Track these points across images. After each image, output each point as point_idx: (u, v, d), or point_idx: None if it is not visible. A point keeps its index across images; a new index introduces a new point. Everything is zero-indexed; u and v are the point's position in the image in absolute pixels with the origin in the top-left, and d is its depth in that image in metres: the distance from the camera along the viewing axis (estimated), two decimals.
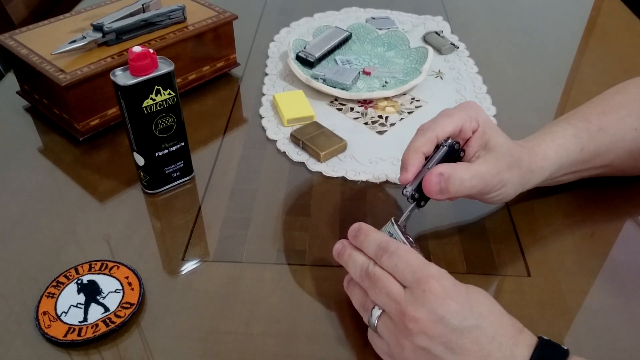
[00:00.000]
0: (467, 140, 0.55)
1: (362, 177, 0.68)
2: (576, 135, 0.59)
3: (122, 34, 0.75)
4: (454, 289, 0.43)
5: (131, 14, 0.76)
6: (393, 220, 0.52)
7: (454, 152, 0.54)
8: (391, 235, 0.50)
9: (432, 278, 0.43)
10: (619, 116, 0.60)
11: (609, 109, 0.61)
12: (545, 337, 0.43)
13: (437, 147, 0.54)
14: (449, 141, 0.54)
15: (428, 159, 0.54)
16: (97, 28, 0.73)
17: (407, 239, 0.51)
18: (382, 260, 0.46)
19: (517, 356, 0.42)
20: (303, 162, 0.70)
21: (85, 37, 0.72)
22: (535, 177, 0.58)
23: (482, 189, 0.54)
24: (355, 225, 0.50)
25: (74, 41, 0.71)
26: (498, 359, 0.42)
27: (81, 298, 0.53)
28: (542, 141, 0.59)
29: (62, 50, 0.70)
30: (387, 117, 0.78)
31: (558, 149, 0.58)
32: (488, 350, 0.42)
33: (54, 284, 0.54)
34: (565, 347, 0.43)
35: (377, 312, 0.46)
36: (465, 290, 0.44)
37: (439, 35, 0.95)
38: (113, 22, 0.74)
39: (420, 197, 0.54)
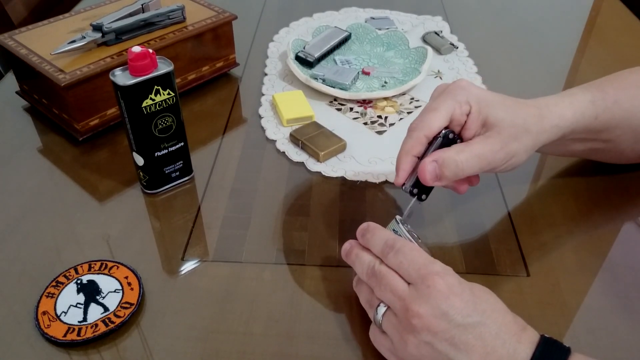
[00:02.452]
0: (464, 123, 0.54)
1: (361, 177, 0.68)
2: (593, 102, 0.59)
3: (122, 34, 0.75)
4: (458, 286, 0.44)
5: (130, 14, 0.76)
6: (397, 219, 0.52)
7: (449, 141, 0.53)
8: (396, 233, 0.51)
9: (437, 275, 0.44)
10: (633, 94, 0.61)
11: (624, 85, 0.61)
12: (547, 336, 0.43)
13: (434, 138, 0.53)
14: (443, 131, 0.53)
15: (424, 154, 0.54)
16: (97, 28, 0.73)
17: (412, 236, 0.51)
18: (388, 258, 0.47)
19: (521, 352, 0.42)
20: (302, 162, 0.70)
21: (84, 37, 0.72)
22: (548, 136, 0.56)
23: (485, 167, 0.53)
24: (364, 225, 0.51)
25: (73, 41, 0.71)
26: (502, 355, 0.42)
27: (81, 298, 0.53)
28: (561, 101, 0.58)
29: (61, 50, 0.70)
30: (386, 117, 0.78)
31: (576, 111, 0.58)
32: (492, 347, 0.42)
33: (54, 283, 0.54)
34: (567, 346, 0.43)
35: (382, 309, 0.46)
36: (469, 287, 0.44)
37: (438, 35, 0.95)
38: (112, 22, 0.74)
39: (420, 191, 0.55)
